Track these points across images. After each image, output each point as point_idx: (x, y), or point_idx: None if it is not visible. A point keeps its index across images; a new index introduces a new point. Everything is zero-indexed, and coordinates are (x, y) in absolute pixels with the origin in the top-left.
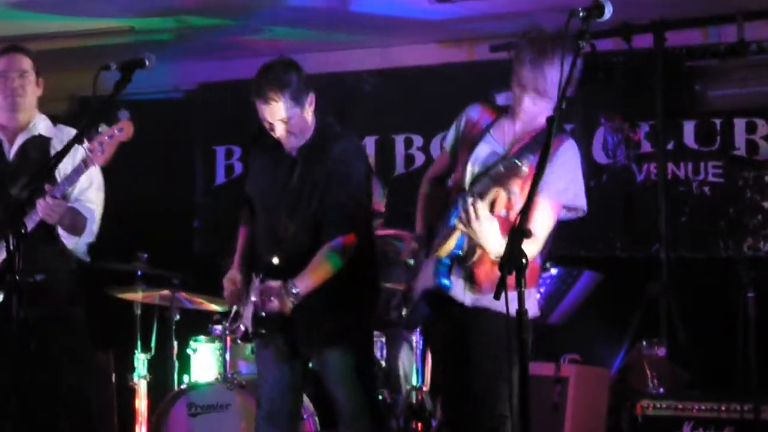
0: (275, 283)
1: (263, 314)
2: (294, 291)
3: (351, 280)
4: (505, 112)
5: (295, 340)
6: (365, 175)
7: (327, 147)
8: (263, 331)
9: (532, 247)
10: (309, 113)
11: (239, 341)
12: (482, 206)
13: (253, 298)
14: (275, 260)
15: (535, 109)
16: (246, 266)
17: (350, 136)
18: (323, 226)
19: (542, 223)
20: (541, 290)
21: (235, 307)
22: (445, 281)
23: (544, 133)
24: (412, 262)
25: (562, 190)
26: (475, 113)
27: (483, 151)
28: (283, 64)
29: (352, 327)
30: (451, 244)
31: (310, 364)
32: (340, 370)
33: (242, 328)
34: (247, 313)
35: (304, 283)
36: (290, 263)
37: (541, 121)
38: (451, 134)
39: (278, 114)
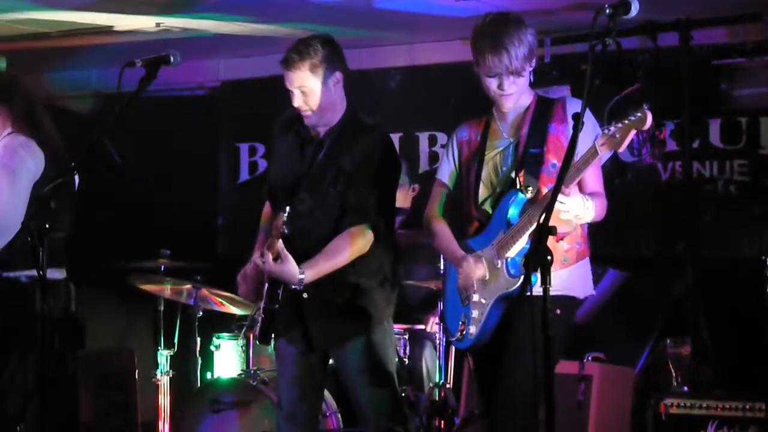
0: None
1: (274, 288)
2: (300, 276)
3: (371, 273)
4: (488, 114)
5: (314, 336)
6: (394, 168)
7: (357, 136)
8: (275, 306)
9: (602, 202)
10: (332, 92)
11: (258, 342)
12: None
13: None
14: (287, 209)
15: (515, 89)
16: None
17: (381, 129)
18: (344, 213)
19: (598, 179)
20: None
21: (255, 307)
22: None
23: (538, 109)
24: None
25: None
26: (464, 132)
27: (495, 154)
28: (316, 37)
29: (371, 322)
30: (524, 241)
31: (331, 361)
32: (359, 366)
33: (257, 326)
34: (261, 306)
35: (313, 270)
36: (302, 237)
37: (525, 99)
38: (447, 166)
39: (296, 81)
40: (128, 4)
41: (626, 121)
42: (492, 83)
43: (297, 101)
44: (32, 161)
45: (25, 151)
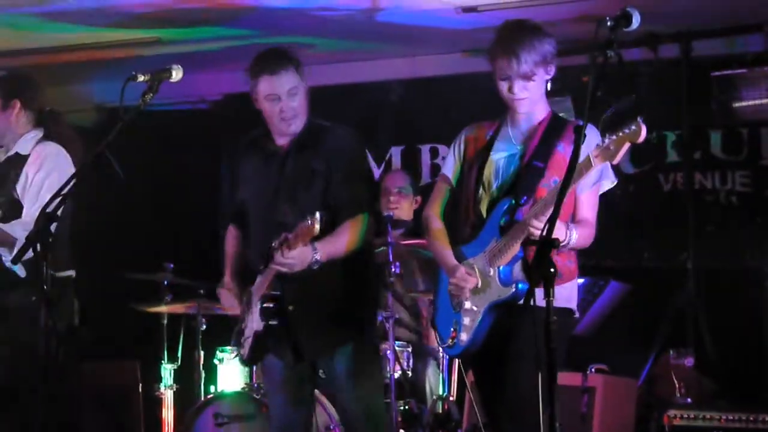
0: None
1: (269, 305)
2: (316, 257)
3: (356, 280)
4: (501, 118)
5: (302, 348)
6: (365, 158)
7: (320, 138)
8: (274, 324)
9: (589, 232)
10: (306, 100)
11: (242, 364)
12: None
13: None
14: (317, 214)
15: (528, 95)
16: (239, 279)
17: (342, 126)
18: (337, 210)
19: (592, 207)
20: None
21: (238, 327)
22: (522, 285)
23: (551, 126)
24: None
25: (594, 176)
26: (473, 130)
27: (499, 158)
28: (280, 46)
29: (357, 329)
30: (515, 249)
31: (321, 373)
32: (347, 373)
33: (247, 345)
34: (251, 322)
35: (326, 249)
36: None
37: (539, 112)
38: (452, 161)
39: (286, 84)
40: (130, 19)
41: (620, 134)
42: (503, 86)
43: (287, 106)
44: (68, 172)
45: (65, 162)
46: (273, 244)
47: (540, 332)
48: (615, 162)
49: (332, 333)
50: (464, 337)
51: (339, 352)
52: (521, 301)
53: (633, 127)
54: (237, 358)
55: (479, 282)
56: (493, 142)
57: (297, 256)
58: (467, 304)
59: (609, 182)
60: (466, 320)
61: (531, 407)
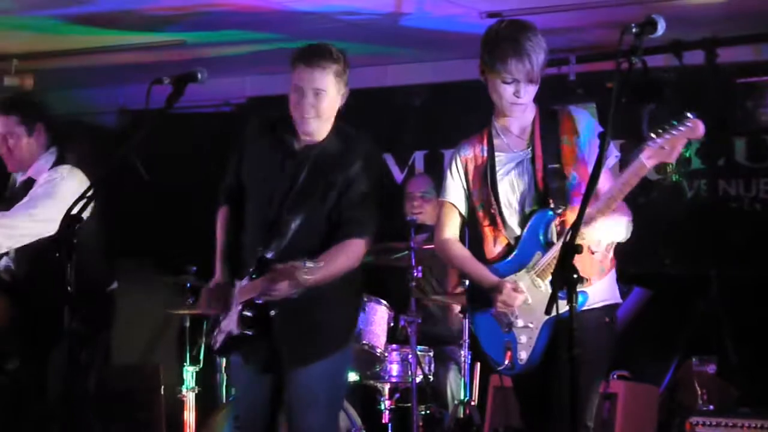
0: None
1: (249, 314)
2: (307, 279)
3: (344, 288)
4: (488, 128)
5: (281, 356)
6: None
7: (346, 150)
8: (249, 333)
9: (624, 209)
10: (338, 103)
11: (215, 355)
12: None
13: (239, 301)
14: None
15: (528, 98)
16: (228, 271)
17: (367, 140)
18: (339, 226)
19: (610, 181)
20: None
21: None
22: (582, 295)
23: (544, 121)
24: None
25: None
26: (466, 150)
27: (508, 170)
28: (335, 47)
29: (338, 342)
30: None
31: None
32: (317, 388)
33: (219, 338)
34: (229, 320)
35: (318, 274)
36: (291, 254)
37: (529, 112)
38: (454, 186)
39: (317, 81)
40: (155, 22)
41: (674, 132)
42: (508, 90)
43: (308, 102)
44: (77, 187)
45: (71, 178)
46: (262, 255)
47: (600, 336)
48: (672, 160)
49: (315, 344)
50: (524, 355)
51: (314, 366)
52: (580, 309)
53: (689, 124)
54: (208, 345)
55: (528, 298)
56: (493, 156)
57: (282, 290)
58: (520, 322)
59: (614, 157)
60: (523, 338)
61: (584, 417)
